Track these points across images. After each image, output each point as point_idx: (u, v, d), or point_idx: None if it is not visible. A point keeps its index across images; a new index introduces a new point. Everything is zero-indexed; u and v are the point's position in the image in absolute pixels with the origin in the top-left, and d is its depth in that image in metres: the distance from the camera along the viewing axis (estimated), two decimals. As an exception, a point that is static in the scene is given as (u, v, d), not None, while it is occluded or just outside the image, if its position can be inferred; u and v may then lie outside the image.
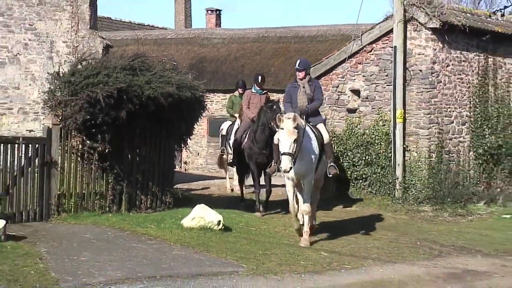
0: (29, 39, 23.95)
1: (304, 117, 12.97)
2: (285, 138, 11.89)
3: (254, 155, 17.05)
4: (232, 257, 11.75)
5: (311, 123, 13.30)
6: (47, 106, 15.18)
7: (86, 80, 14.45)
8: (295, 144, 11.91)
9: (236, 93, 21.14)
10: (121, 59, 16.24)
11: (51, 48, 23.95)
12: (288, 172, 12.18)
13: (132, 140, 14.69)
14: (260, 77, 17.68)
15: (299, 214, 13.35)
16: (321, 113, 14.51)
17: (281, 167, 12.03)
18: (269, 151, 15.73)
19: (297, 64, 13.92)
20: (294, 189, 13.25)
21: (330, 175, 13.58)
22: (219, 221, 13.23)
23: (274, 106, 15.94)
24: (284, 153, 11.85)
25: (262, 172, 17.38)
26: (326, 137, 13.17)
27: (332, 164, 13.29)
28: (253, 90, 17.34)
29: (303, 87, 13.50)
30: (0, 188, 13.38)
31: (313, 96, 13.65)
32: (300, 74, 13.75)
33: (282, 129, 11.90)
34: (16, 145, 13.71)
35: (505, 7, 5.30)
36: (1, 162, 13.52)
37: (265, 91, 17.82)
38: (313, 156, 12.75)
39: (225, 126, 21.43)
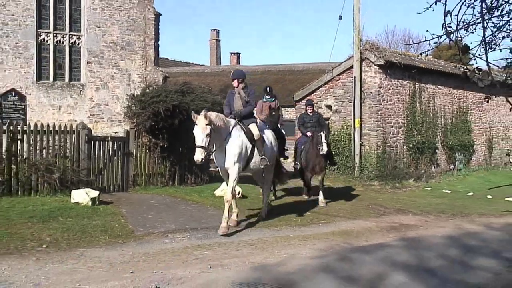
0: (114, 72, 23.95)
1: (237, 119, 10.84)
2: (198, 133, 9.69)
3: None
4: (247, 215, 11.77)
5: (244, 124, 10.98)
6: (126, 116, 15.52)
7: (151, 99, 14.57)
8: (208, 139, 9.69)
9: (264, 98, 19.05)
10: (174, 85, 16.42)
11: (128, 78, 23.93)
12: (200, 162, 9.96)
13: (182, 138, 14.68)
14: (268, 88, 15.50)
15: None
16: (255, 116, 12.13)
17: (194, 158, 9.80)
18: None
19: (234, 75, 11.78)
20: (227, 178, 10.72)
21: (262, 167, 11.15)
22: (239, 191, 13.16)
23: (273, 113, 14.30)
24: (197, 146, 9.67)
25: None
26: (255, 134, 10.92)
27: (263, 157, 10.95)
28: (263, 99, 14.88)
29: (238, 93, 11.39)
30: (96, 170, 13.43)
31: (248, 100, 11.42)
32: (234, 83, 11.57)
33: (197, 125, 9.77)
34: (107, 142, 13.78)
35: (428, 50, 5.27)
36: (97, 153, 13.56)
37: (274, 99, 15.27)
38: (237, 151, 10.37)
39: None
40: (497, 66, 4.64)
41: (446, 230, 11.46)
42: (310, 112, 14.76)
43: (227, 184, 10.80)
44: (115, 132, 21.01)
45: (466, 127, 25.29)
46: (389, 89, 20.59)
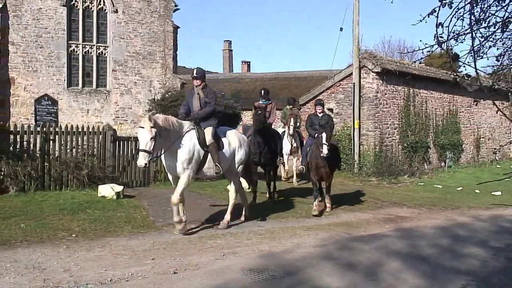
0: (137, 79, 24.02)
1: (194, 121, 9.33)
2: (142, 137, 8.32)
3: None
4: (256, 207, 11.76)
5: (201, 127, 9.35)
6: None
7: (170, 103, 14.63)
8: (153, 142, 8.27)
9: (288, 106, 16.58)
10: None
11: (150, 85, 24.00)
12: (144, 167, 8.76)
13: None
14: (263, 91, 13.82)
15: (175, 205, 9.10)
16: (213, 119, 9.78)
17: (137, 163, 8.53)
18: (263, 152, 12.26)
19: (194, 73, 9.76)
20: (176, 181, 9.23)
21: (215, 174, 9.56)
22: (248, 186, 13.15)
23: (259, 111, 12.12)
24: (140, 150, 8.32)
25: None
26: (207, 139, 9.15)
27: (216, 164, 9.19)
28: (260, 102, 13.36)
29: (198, 93, 9.60)
30: (120, 167, 13.45)
31: (207, 101, 9.64)
32: (196, 82, 9.66)
33: (141, 127, 8.41)
34: (130, 142, 13.79)
35: (422, 58, 5.28)
36: (121, 152, 13.59)
37: (270, 102, 13.65)
38: (186, 157, 8.83)
39: (280, 131, 16.30)
40: (484, 72, 4.64)
41: (438, 221, 11.40)
42: (320, 113, 12.64)
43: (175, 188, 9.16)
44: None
45: (455, 128, 25.21)
46: (386, 94, 20.52)
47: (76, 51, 23.09)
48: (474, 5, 3.87)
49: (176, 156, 8.84)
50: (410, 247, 8.56)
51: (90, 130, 13.21)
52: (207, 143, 9.21)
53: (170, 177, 9.60)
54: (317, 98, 13.92)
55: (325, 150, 11.02)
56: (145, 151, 8.27)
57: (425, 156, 22.90)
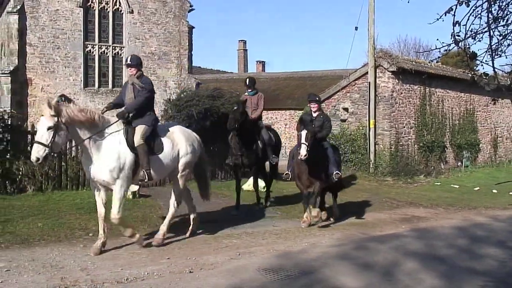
0: (152, 80, 24.06)
1: (123, 118, 7.77)
2: (39, 126, 6.93)
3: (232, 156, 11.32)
4: (271, 207, 11.74)
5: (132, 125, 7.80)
6: (163, 119, 15.48)
7: (186, 103, 14.65)
8: (52, 134, 6.81)
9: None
10: (206, 90, 16.41)
11: (165, 85, 24.13)
12: (38, 163, 7.12)
13: (213, 138, 14.69)
14: (248, 80, 11.97)
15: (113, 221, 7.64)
16: (151, 114, 8.09)
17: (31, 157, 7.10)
18: (245, 152, 10.93)
19: (128, 60, 8.26)
20: (100, 193, 7.67)
21: (145, 182, 8.06)
22: (264, 186, 13.15)
23: (235, 107, 10.74)
24: (35, 142, 6.96)
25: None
26: (135, 140, 7.55)
27: (144, 171, 7.63)
28: (245, 93, 11.83)
29: (132, 84, 8.04)
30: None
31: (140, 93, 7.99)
32: (130, 70, 8.17)
33: (42, 115, 7.02)
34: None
35: (439, 57, 5.24)
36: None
37: (257, 92, 11.85)
38: (116, 164, 7.36)
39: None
40: (502, 71, 4.58)
41: (455, 221, 11.30)
42: (314, 112, 10.41)
43: (97, 201, 7.70)
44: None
45: (472, 127, 24.98)
46: (401, 93, 20.39)
47: (92, 52, 23.27)
48: (492, 3, 3.84)
49: (100, 161, 7.36)
50: (427, 247, 8.50)
51: (106, 130, 13.27)
52: (136, 145, 7.63)
53: (92, 185, 7.95)
54: (311, 93, 11.41)
55: (303, 151, 9.06)
56: (39, 143, 6.88)
57: (442, 155, 22.73)
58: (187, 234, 8.70)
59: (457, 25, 3.84)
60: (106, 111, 8.15)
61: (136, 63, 8.19)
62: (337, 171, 10.07)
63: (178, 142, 8.36)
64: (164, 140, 8.17)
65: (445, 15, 3.91)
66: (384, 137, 19.81)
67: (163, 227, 8.31)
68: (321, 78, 30.94)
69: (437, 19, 3.99)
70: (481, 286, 6.44)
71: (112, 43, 23.69)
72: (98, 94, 22.94)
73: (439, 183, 18.91)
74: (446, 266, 7.30)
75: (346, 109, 20.80)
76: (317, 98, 10.66)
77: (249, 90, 11.79)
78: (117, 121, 7.72)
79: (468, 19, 3.85)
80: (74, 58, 22.50)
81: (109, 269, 6.63)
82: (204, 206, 11.06)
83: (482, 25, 3.89)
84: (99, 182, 7.52)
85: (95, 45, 23.27)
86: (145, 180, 7.86)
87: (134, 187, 11.86)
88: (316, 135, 9.49)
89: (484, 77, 3.99)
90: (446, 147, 23.09)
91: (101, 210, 7.65)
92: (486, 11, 3.82)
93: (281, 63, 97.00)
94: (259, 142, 11.26)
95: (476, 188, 18.06)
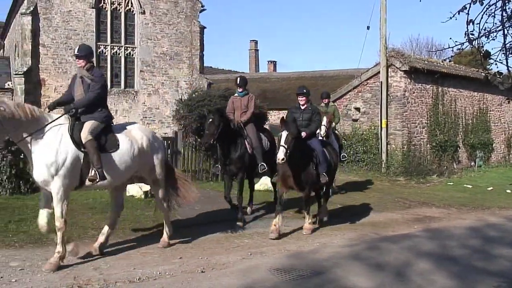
0: (164, 80, 24.24)
1: (71, 114, 6.95)
2: None
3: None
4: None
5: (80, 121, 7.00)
6: (175, 119, 15.57)
7: (197, 103, 14.67)
8: None
9: (322, 104, 14.21)
10: (217, 90, 16.42)
11: (177, 85, 24.21)
12: None
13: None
14: (239, 79, 10.91)
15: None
16: (104, 109, 7.27)
17: None
18: (229, 159, 9.93)
19: (76, 51, 7.44)
20: (45, 198, 6.84)
21: (98, 184, 6.96)
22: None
23: (211, 119, 9.58)
24: None
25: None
26: (83, 136, 6.78)
27: (95, 170, 6.80)
28: (235, 94, 10.89)
29: (81, 77, 7.23)
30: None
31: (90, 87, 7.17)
32: (79, 62, 7.33)
33: None
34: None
35: (452, 56, 5.21)
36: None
37: (247, 93, 10.83)
38: (53, 159, 6.54)
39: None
40: (516, 70, 4.53)
41: (468, 221, 11.22)
42: (303, 105, 9.75)
43: (42, 203, 6.89)
44: (165, 133, 21.27)
45: (486, 127, 24.81)
46: (414, 93, 20.31)
47: (105, 52, 23.41)
48: (506, 1, 3.80)
49: (38, 158, 6.62)
50: (440, 247, 8.44)
51: (119, 130, 13.33)
52: (83, 141, 6.83)
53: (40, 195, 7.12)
54: (300, 86, 10.64)
55: (280, 154, 8.31)
56: None
57: (455, 155, 22.59)
58: (160, 245, 7.90)
59: (470, 23, 3.81)
60: (49, 111, 7.20)
61: (85, 53, 7.34)
62: (323, 174, 9.23)
63: (138, 139, 7.48)
64: (120, 136, 7.31)
65: (459, 13, 3.88)
66: (396, 136, 19.74)
67: (166, 230, 8.03)
68: (333, 78, 30.85)
69: (450, 18, 3.96)
70: (495, 286, 6.39)
71: (124, 44, 23.81)
72: (110, 94, 23.03)
73: (452, 183, 18.78)
74: (459, 267, 7.25)
75: (358, 109, 20.76)
76: (305, 91, 9.76)
77: (240, 90, 10.80)
78: (61, 115, 6.96)
79: (482, 18, 3.82)
80: (87, 59, 22.66)
81: (121, 268, 6.66)
82: (216, 205, 11.07)
83: (496, 23, 3.87)
84: (39, 183, 6.72)
85: (107, 45, 23.40)
86: (97, 180, 6.89)
87: (146, 187, 11.89)
88: (299, 136, 8.79)
89: (498, 76, 3.95)
90: (459, 147, 22.95)
91: (42, 222, 6.82)
92: (500, 9, 3.79)
93: (293, 63, 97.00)
94: (247, 147, 10.05)
95: (490, 188, 17.91)
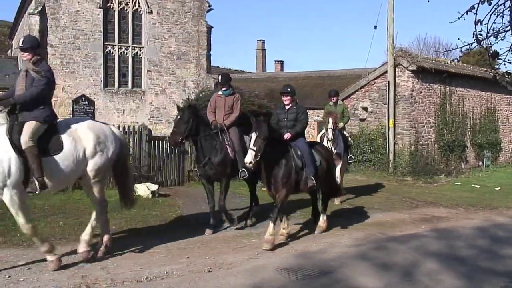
0: (171, 80, 24.29)
1: (8, 111, 6.33)
2: None
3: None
4: (290, 206, 11.71)
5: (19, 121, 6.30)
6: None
7: (205, 103, 14.54)
8: None
9: (330, 102, 13.46)
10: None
11: (184, 85, 24.25)
12: None
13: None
14: (220, 77, 9.91)
15: None
16: (45, 108, 6.51)
17: None
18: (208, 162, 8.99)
19: (20, 43, 6.67)
20: None
21: (37, 192, 6.31)
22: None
23: (178, 116, 8.71)
24: None
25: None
26: (22, 141, 6.10)
27: (36, 177, 6.12)
28: (219, 92, 9.77)
29: (26, 71, 6.52)
30: (155, 166, 13.60)
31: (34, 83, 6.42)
32: (24, 55, 6.64)
33: None
34: (165, 141, 13.88)
35: (460, 56, 5.17)
36: (156, 151, 13.75)
37: (232, 92, 9.74)
38: None
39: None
40: (525, 70, 4.53)
41: (475, 221, 11.16)
42: (287, 105, 9.03)
43: None
44: (172, 133, 21.28)
45: (493, 126, 24.68)
46: (421, 92, 20.24)
47: (112, 52, 23.48)
48: (515, 1, 3.79)
49: None
50: (447, 247, 8.41)
51: (126, 130, 13.38)
52: (23, 147, 6.15)
53: None
54: (285, 84, 9.84)
55: (248, 158, 7.71)
56: None
57: (462, 155, 22.50)
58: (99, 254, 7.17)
59: (479, 23, 3.80)
60: None
61: (30, 45, 6.61)
62: (310, 177, 8.42)
63: (83, 139, 6.74)
64: (64, 137, 6.60)
65: (467, 13, 3.87)
66: (403, 136, 19.69)
67: (102, 240, 7.22)
68: (340, 78, 30.81)
69: (458, 18, 3.95)
70: (502, 287, 6.36)
71: (132, 44, 23.88)
72: (118, 94, 23.12)
73: (459, 183, 18.69)
74: (467, 267, 7.22)
75: (365, 109, 20.72)
76: (289, 90, 9.05)
77: (224, 89, 9.66)
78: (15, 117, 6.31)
79: (490, 18, 3.81)
80: (94, 59, 22.72)
81: (129, 268, 6.68)
82: (227, 205, 11.05)
83: (504, 23, 3.85)
84: None
85: (115, 45, 23.47)
86: (37, 192, 6.35)
87: (154, 187, 11.92)
88: (279, 138, 8.24)
89: (507, 76, 3.94)
90: (466, 147, 22.86)
91: (25, 230, 6.44)
92: (508, 9, 3.77)
93: (300, 63, 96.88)
94: (229, 150, 9.15)
95: (497, 188, 17.81)
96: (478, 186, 18.10)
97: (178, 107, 8.83)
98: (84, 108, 17.76)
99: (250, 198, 10.21)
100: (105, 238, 7.24)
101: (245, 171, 8.98)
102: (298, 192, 8.80)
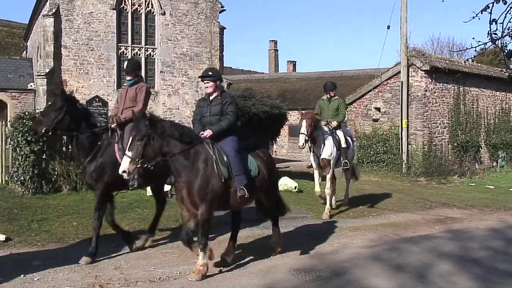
0: (184, 80, 24.36)
1: None
2: None
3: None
4: (303, 208, 11.66)
5: None
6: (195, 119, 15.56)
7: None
8: None
9: (324, 97, 11.78)
10: (237, 91, 16.44)
11: (196, 86, 24.29)
12: None
13: (244, 138, 14.61)
14: (126, 63, 8.01)
15: None
16: None
17: None
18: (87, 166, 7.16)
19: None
20: None
21: None
22: (296, 186, 13.11)
23: (50, 102, 7.54)
24: None
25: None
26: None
27: None
28: (125, 84, 8.18)
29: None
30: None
31: None
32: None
33: None
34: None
35: (474, 56, 5.13)
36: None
37: (136, 80, 7.91)
38: None
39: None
40: (540, 69, 4.48)
41: (490, 222, 11.07)
42: (210, 95, 7.04)
43: None
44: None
45: (508, 126, 24.47)
46: (435, 92, 20.12)
47: (125, 53, 23.58)
48: (530, 0, 3.75)
49: None
50: (461, 249, 8.34)
51: (139, 130, 13.40)
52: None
53: None
54: (207, 68, 8.55)
55: (122, 166, 5.98)
56: None
57: (476, 155, 22.33)
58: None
59: (493, 23, 3.77)
60: None
61: None
62: (241, 187, 6.50)
63: None
64: None
65: (481, 13, 3.84)
66: (417, 137, 19.58)
67: None
68: (353, 78, 30.76)
69: (473, 18, 3.92)
70: (518, 289, 6.29)
71: (145, 45, 23.97)
72: (131, 95, 23.26)
73: (473, 184, 18.56)
74: (481, 268, 7.15)
75: (378, 109, 20.64)
76: (210, 73, 7.02)
77: (128, 78, 7.92)
78: None
79: (505, 17, 3.78)
80: (108, 60, 22.84)
81: (142, 268, 6.70)
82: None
83: (519, 23, 3.81)
84: None
85: (128, 46, 23.58)
86: None
87: (167, 187, 11.93)
88: (145, 137, 5.96)
89: (522, 76, 3.91)
90: (480, 147, 22.69)
91: None
92: (523, 8, 3.73)
93: (312, 63, 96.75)
94: (116, 152, 7.22)
95: (512, 189, 17.68)
96: (492, 187, 17.96)
97: (51, 91, 6.59)
98: (97, 109, 17.88)
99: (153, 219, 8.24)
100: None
101: (135, 180, 7.07)
102: (227, 209, 7.15)
